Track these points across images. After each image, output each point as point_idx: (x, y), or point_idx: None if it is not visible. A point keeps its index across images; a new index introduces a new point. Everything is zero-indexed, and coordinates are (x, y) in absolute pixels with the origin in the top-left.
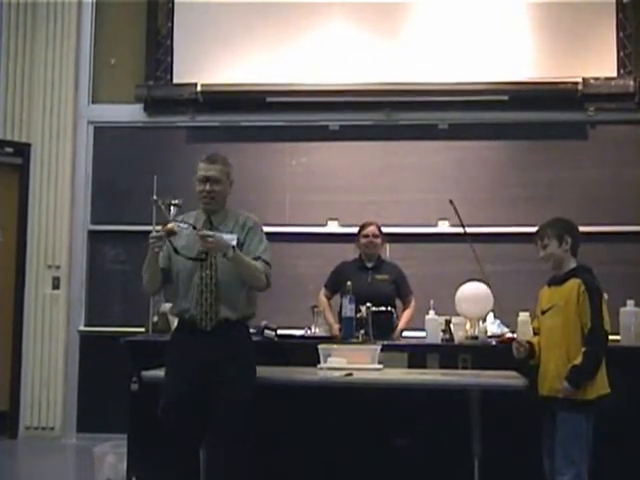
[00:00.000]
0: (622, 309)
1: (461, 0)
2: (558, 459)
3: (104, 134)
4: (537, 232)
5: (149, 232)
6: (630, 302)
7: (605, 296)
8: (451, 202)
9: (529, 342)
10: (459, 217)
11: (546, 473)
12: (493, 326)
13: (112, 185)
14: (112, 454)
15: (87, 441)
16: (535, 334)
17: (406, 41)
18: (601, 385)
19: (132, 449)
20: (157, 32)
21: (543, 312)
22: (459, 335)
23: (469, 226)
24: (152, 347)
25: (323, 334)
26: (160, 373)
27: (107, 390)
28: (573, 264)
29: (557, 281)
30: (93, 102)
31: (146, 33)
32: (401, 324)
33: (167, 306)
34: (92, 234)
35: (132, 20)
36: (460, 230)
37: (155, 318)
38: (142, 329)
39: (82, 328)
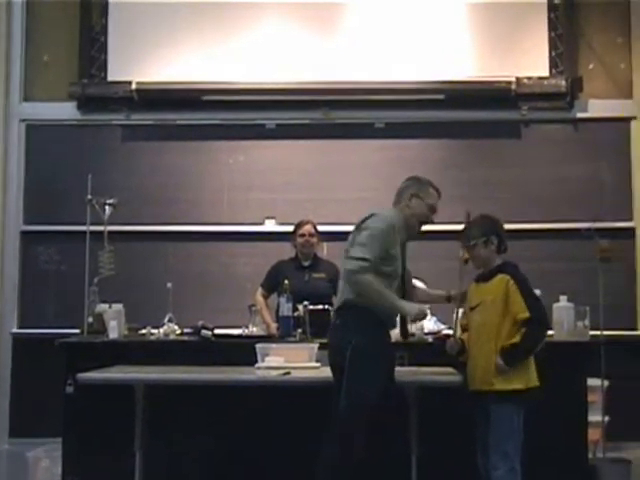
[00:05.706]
0: (555, 305)
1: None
2: (492, 454)
3: (37, 133)
4: (462, 233)
5: (84, 232)
6: (563, 298)
7: (537, 292)
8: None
9: (460, 339)
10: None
11: (480, 469)
12: (430, 323)
13: (46, 184)
14: (46, 459)
15: (20, 446)
16: (464, 331)
17: (343, 40)
18: (531, 377)
19: (67, 453)
20: (91, 29)
21: (472, 308)
22: (395, 332)
23: None
24: (87, 348)
25: (260, 333)
26: (96, 375)
27: (40, 393)
28: (499, 261)
29: (484, 277)
30: (25, 100)
31: (80, 30)
32: None
33: (102, 307)
34: (25, 234)
35: (65, 16)
36: None
37: (90, 319)
38: (77, 330)
39: (15, 330)
